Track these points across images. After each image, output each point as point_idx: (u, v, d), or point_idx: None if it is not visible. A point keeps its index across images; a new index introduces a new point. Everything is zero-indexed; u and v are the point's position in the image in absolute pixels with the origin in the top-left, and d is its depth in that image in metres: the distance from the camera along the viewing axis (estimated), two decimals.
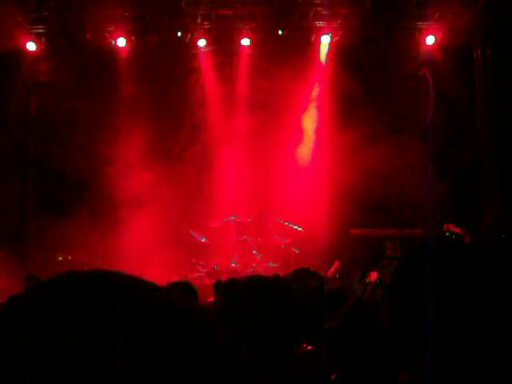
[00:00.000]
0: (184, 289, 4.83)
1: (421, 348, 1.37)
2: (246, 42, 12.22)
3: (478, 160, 12.06)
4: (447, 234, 9.55)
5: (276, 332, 1.85)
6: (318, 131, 12.52)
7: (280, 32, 12.13)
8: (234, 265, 11.29)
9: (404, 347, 1.46)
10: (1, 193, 11.84)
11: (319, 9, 11.87)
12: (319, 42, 12.31)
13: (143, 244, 10.76)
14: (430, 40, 12.09)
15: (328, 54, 12.38)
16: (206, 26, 12.15)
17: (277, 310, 1.91)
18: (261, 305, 1.87)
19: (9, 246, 10.96)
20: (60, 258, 11.39)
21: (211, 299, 5.60)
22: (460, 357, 1.35)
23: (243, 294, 1.93)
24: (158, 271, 9.79)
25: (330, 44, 12.30)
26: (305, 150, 12.54)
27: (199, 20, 12.03)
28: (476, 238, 10.13)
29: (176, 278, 9.48)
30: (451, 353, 1.35)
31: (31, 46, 12.17)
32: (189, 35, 12.20)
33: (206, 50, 12.48)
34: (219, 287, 4.63)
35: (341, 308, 2.42)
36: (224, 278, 8.44)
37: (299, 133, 12.52)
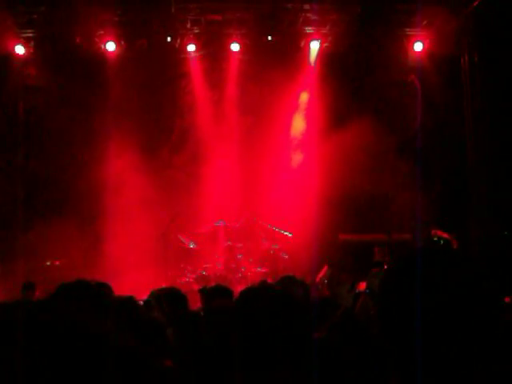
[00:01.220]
0: (174, 297, 4.83)
1: (410, 356, 1.38)
2: (235, 47, 12.23)
3: (466, 165, 12.14)
4: (435, 239, 9.61)
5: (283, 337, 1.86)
6: (306, 136, 12.56)
7: (269, 37, 12.16)
8: (221, 270, 11.26)
9: (394, 355, 1.46)
10: None
11: (308, 15, 11.91)
12: (308, 47, 12.35)
13: (131, 249, 10.73)
14: (418, 47, 12.18)
15: (317, 60, 12.42)
16: (196, 31, 12.15)
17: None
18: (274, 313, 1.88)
19: None
20: (48, 264, 11.32)
21: (198, 305, 5.58)
22: (449, 364, 1.37)
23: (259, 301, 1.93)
24: (147, 276, 9.77)
25: (319, 50, 12.35)
26: (293, 155, 12.57)
27: (189, 25, 12.04)
28: (464, 243, 10.19)
29: (164, 284, 9.47)
30: (441, 361, 1.37)
31: (20, 50, 12.10)
32: (178, 40, 12.20)
33: (196, 54, 12.48)
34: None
35: (330, 318, 2.43)
36: (212, 284, 8.44)
37: (288, 138, 12.56)
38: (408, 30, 12.19)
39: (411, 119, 12.24)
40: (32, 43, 12.18)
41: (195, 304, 5.89)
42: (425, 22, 11.97)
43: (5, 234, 11.45)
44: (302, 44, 12.37)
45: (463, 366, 1.37)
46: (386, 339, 1.49)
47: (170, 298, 4.87)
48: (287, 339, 1.78)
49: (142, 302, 4.36)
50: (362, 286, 7.12)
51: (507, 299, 5.53)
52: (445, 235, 9.68)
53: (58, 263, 11.31)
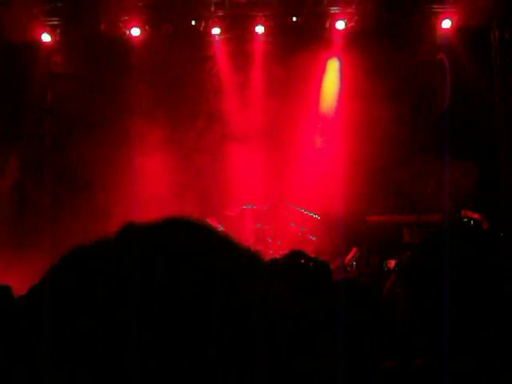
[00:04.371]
0: None
1: (438, 335, 1.36)
2: (260, 29, 12.16)
3: (497, 145, 11.93)
4: (465, 219, 9.48)
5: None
6: (333, 117, 12.48)
7: (294, 18, 12.05)
8: None
9: (421, 334, 1.45)
10: (18, 183, 11.97)
11: None
12: (334, 27, 12.21)
13: None
14: (447, 24, 11.92)
15: (343, 40, 12.28)
16: (220, 14, 12.11)
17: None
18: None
19: (33, 236, 11.09)
20: None
21: None
22: (478, 343, 1.35)
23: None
24: None
25: (345, 29, 12.19)
26: (320, 136, 12.51)
27: (213, 8, 11.99)
28: (494, 223, 10.04)
29: None
30: (469, 340, 1.35)
31: (46, 38, 12.22)
32: (203, 23, 12.17)
33: (221, 37, 12.45)
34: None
35: (354, 298, 2.42)
36: None
37: (314, 119, 12.49)
38: (436, 6, 11.94)
39: (440, 98, 12.05)
40: (58, 31, 12.30)
41: None
42: None
43: (33, 224, 11.62)
44: (328, 24, 12.23)
45: (492, 346, 1.34)
46: (413, 319, 1.47)
47: None
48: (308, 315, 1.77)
49: None
50: (392, 264, 7.07)
51: None
52: (475, 216, 9.54)
53: None
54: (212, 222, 11.75)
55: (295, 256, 2.50)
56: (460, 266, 1.39)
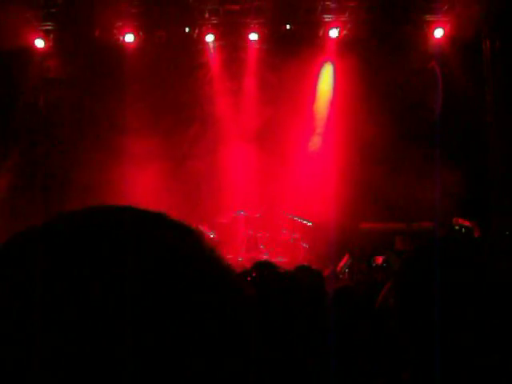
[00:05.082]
0: None
1: (427, 348, 1.37)
2: (253, 36, 12.19)
3: (488, 153, 12.00)
4: (457, 227, 9.50)
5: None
6: (325, 125, 12.52)
7: (288, 26, 12.10)
8: (243, 260, 11.30)
9: (410, 346, 1.46)
10: (10, 188, 11.92)
11: (327, 2, 11.82)
12: (327, 35, 12.26)
13: None
14: (439, 33, 12.02)
15: (336, 48, 12.34)
16: (214, 21, 12.14)
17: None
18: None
19: None
20: None
21: None
22: (468, 356, 1.36)
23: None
24: None
25: (338, 38, 12.25)
26: (313, 144, 12.54)
27: (207, 15, 12.02)
28: (486, 231, 10.07)
29: None
30: (459, 351, 1.35)
31: (40, 43, 12.20)
32: (196, 30, 12.20)
33: (214, 45, 12.48)
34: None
35: (346, 306, 2.43)
36: None
37: (307, 127, 12.52)
38: (428, 16, 12.04)
39: (432, 106, 12.11)
40: (52, 36, 12.28)
41: None
42: (445, 8, 11.82)
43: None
44: (321, 32, 12.28)
45: (482, 358, 1.35)
46: (402, 330, 1.48)
47: None
48: (299, 326, 1.78)
49: None
50: (379, 259, 7.06)
51: None
52: (467, 223, 9.56)
53: None
54: (203, 229, 11.74)
55: (259, 267, 2.50)
56: (450, 277, 1.40)
